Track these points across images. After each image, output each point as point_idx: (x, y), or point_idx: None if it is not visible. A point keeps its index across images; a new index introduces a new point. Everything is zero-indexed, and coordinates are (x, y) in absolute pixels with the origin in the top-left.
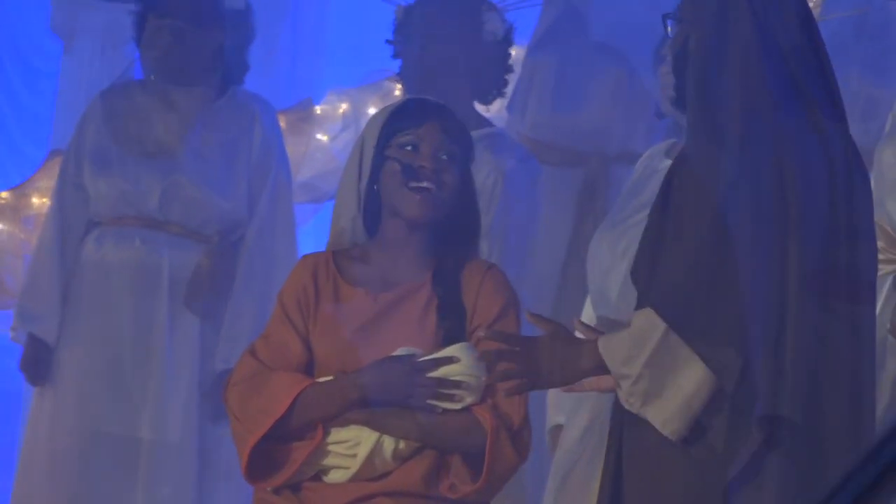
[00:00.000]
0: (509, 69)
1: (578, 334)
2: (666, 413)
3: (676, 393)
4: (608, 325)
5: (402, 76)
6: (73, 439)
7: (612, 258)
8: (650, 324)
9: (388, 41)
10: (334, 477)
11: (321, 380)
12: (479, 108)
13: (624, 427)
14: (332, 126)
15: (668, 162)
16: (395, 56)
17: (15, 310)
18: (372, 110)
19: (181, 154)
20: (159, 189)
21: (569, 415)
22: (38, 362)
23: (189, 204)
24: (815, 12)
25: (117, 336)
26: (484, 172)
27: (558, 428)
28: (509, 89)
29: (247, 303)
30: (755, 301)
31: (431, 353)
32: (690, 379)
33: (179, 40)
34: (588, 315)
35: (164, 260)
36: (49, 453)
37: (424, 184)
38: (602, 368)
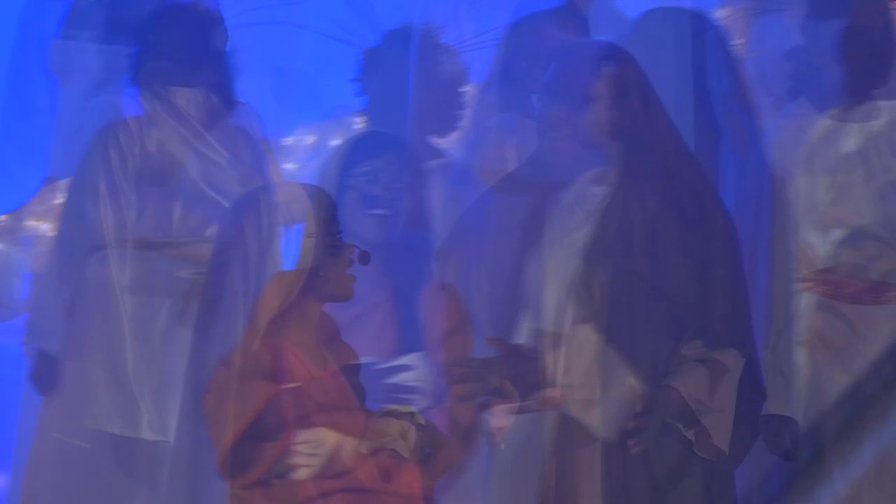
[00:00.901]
0: (463, 106)
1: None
2: (601, 418)
3: (610, 400)
4: (541, 337)
5: (366, 112)
6: (80, 442)
7: (544, 275)
8: (587, 337)
9: (355, 79)
10: (300, 474)
11: (289, 386)
12: (435, 140)
13: (566, 430)
14: (301, 156)
15: (597, 188)
16: (361, 94)
17: (26, 327)
18: (336, 142)
19: (177, 183)
20: (156, 216)
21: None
22: (46, 373)
23: (184, 228)
24: (741, 49)
25: (118, 348)
26: (437, 199)
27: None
28: (465, 123)
29: (234, 316)
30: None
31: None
32: (622, 387)
33: (173, 80)
34: (524, 327)
35: (161, 279)
36: (57, 457)
37: (380, 211)
38: (552, 382)
